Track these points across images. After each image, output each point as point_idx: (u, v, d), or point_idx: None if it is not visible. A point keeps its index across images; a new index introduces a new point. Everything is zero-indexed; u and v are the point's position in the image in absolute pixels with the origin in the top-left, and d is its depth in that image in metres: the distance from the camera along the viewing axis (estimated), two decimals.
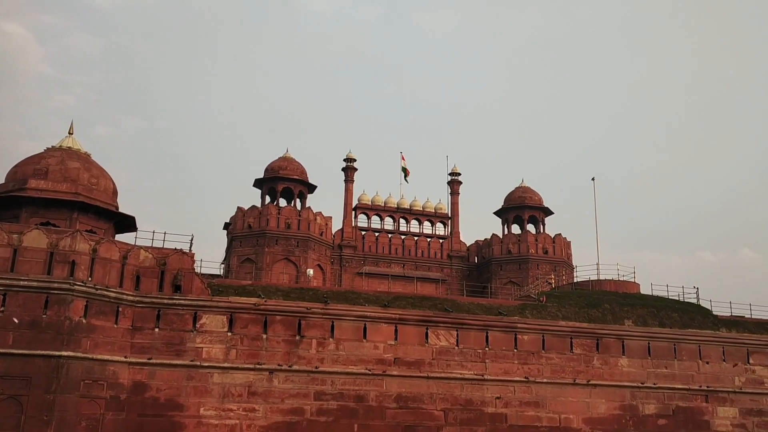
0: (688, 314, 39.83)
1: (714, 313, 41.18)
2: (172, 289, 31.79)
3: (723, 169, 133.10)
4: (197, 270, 33.96)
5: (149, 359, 30.32)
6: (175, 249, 32.87)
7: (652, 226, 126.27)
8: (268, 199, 59.30)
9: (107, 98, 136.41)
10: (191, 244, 34.42)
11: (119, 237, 35.58)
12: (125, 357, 29.92)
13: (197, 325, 31.54)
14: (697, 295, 42.58)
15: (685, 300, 42.27)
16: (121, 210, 35.87)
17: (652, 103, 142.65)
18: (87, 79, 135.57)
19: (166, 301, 31.38)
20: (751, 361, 38.66)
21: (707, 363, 37.87)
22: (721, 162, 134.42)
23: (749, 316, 42.32)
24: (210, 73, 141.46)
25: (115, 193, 36.29)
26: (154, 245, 33.14)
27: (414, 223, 66.19)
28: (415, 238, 64.40)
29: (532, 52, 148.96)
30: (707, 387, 37.34)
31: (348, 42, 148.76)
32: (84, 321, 28.78)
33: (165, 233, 34.01)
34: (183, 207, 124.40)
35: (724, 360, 38.28)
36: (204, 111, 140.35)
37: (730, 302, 42.35)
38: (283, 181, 58.82)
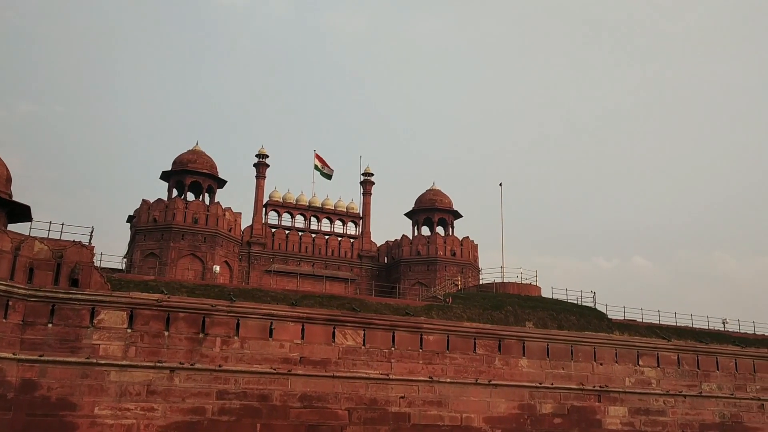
0: (585, 317, 41.55)
1: (609, 316, 43.13)
2: (68, 283, 30.36)
3: (617, 181, 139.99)
4: (97, 264, 32.61)
5: (41, 356, 28.81)
6: (74, 241, 31.43)
7: (554, 232, 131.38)
8: (175, 192, 57.63)
9: None
10: (91, 236, 33.06)
11: (12, 227, 33.57)
12: (14, 354, 28.30)
13: (95, 321, 30.24)
14: (594, 300, 44.51)
15: (583, 304, 44.08)
16: (14, 198, 33.88)
17: (558, 112, 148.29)
18: None
19: (61, 295, 29.90)
20: (640, 362, 40.72)
21: (601, 364, 39.62)
22: (615, 174, 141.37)
23: (640, 320, 44.59)
24: (114, 60, 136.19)
25: (8, 180, 34.25)
26: (50, 237, 31.55)
27: (325, 221, 66.02)
28: (326, 237, 64.23)
29: (443, 56, 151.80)
30: (600, 387, 39.06)
31: (259, 37, 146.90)
32: None
33: (63, 225, 32.56)
34: (83, 198, 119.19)
35: (616, 362, 40.15)
36: (106, 99, 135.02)
37: (624, 307, 44.54)
38: (192, 175, 57.33)
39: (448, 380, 35.69)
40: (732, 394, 42.34)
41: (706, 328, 46.40)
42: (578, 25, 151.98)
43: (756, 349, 44.39)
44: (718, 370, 42.59)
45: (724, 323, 48.32)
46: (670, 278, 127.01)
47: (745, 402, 42.59)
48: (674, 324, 45.35)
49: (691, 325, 45.96)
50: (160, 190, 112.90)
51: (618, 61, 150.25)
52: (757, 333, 47.98)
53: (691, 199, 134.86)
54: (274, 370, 32.52)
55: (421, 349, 35.78)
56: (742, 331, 47.63)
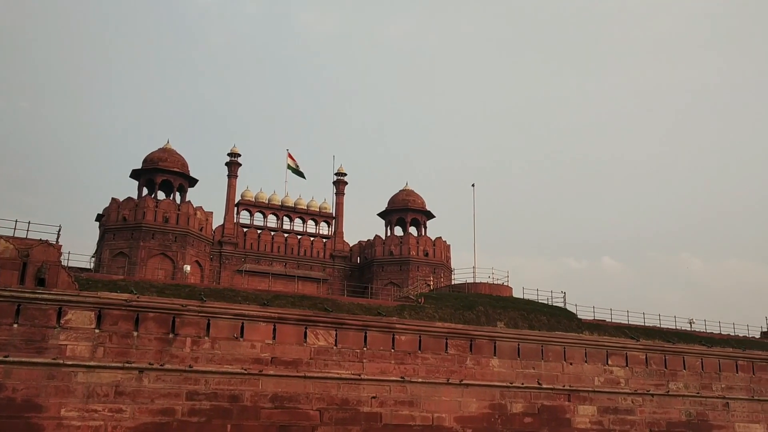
0: (556, 317, 41.97)
1: (579, 316, 43.63)
2: (35, 282, 29.78)
3: (588, 183, 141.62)
4: (64, 263, 32.08)
5: (6, 357, 28.18)
6: (40, 240, 30.87)
7: (525, 233, 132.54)
8: (145, 191, 56.99)
9: None
10: (58, 235, 32.54)
11: None
12: None
13: (62, 321, 29.70)
14: (564, 300, 45.03)
15: (554, 304, 44.56)
16: None
17: (531, 113, 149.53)
18: None
19: (27, 295, 29.30)
20: (609, 362, 41.20)
21: (571, 364, 40.00)
22: (586, 176, 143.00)
23: (610, 320, 45.21)
24: (83, 57, 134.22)
25: None
26: (16, 236, 30.95)
27: (298, 221, 65.80)
28: (299, 236, 64.01)
29: (416, 57, 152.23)
30: (570, 387, 39.43)
31: (231, 36, 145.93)
32: None
33: (29, 223, 32.00)
34: (50, 196, 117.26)
35: (586, 361, 40.56)
36: (74, 96, 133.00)
37: (593, 307, 45.15)
38: (163, 173, 56.73)
39: (420, 380, 35.75)
40: (698, 393, 43.06)
41: (674, 328, 47.21)
42: (551, 27, 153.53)
43: (721, 349, 45.22)
44: (684, 369, 43.28)
45: (690, 323, 49.23)
46: (639, 279, 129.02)
47: (710, 401, 43.34)
48: (643, 324, 46.07)
49: (659, 325, 46.72)
50: (130, 189, 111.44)
51: (592, 62, 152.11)
52: (722, 333, 48.96)
53: (659, 201, 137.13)
54: (245, 370, 32.27)
55: (393, 349, 35.79)
56: (708, 331, 48.56)
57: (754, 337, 50.64)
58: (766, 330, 52.59)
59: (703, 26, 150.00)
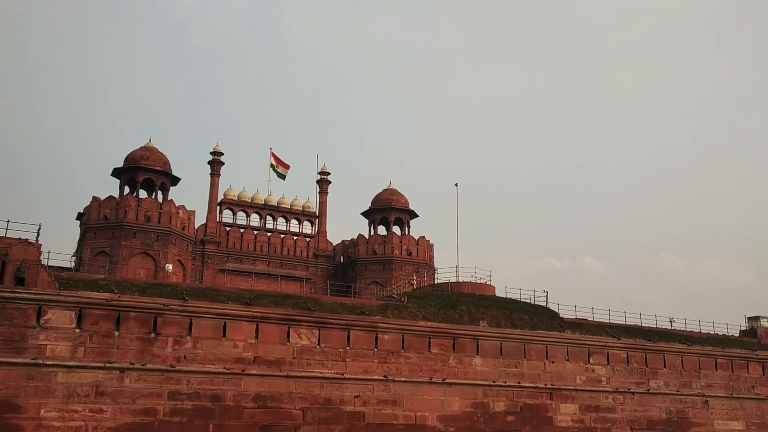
0: (538, 316, 42.18)
1: (561, 315, 43.88)
2: (14, 281, 29.46)
3: (569, 183, 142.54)
4: (44, 262, 31.75)
5: None
6: (20, 239, 30.54)
7: (507, 233, 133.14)
8: (127, 189, 56.53)
9: None
10: (38, 234, 32.19)
11: None
12: None
13: (41, 321, 29.42)
14: (546, 299, 45.25)
15: (536, 303, 44.76)
16: None
17: (513, 113, 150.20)
18: None
19: (6, 294, 28.98)
20: (591, 360, 41.51)
21: (553, 362, 40.24)
22: (567, 176, 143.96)
23: (591, 319, 45.49)
24: (64, 55, 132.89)
25: None
26: None
27: (281, 220, 65.57)
28: (282, 235, 63.80)
29: (399, 57, 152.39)
30: (552, 385, 39.67)
31: (213, 34, 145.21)
32: None
33: (8, 221, 31.58)
34: (29, 195, 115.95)
35: (568, 360, 40.82)
36: (55, 94, 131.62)
37: (575, 306, 45.41)
38: (145, 172, 56.30)
39: (403, 379, 35.79)
40: (678, 391, 43.50)
41: (654, 326, 47.62)
42: (534, 27, 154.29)
43: (701, 347, 45.72)
44: (665, 367, 43.71)
45: (671, 322, 49.69)
46: (620, 278, 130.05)
47: (690, 398, 43.81)
48: (624, 323, 46.42)
49: (639, 324, 47.10)
50: (111, 188, 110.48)
51: (573, 62, 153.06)
52: (702, 331, 49.48)
53: (639, 201, 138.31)
54: (228, 370, 32.14)
55: (376, 348, 35.81)
56: (688, 330, 49.05)
57: (733, 336, 51.24)
58: (744, 329, 53.23)
59: (673, 30, 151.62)
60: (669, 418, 42.68)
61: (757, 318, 53.66)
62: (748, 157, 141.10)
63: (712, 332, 49.94)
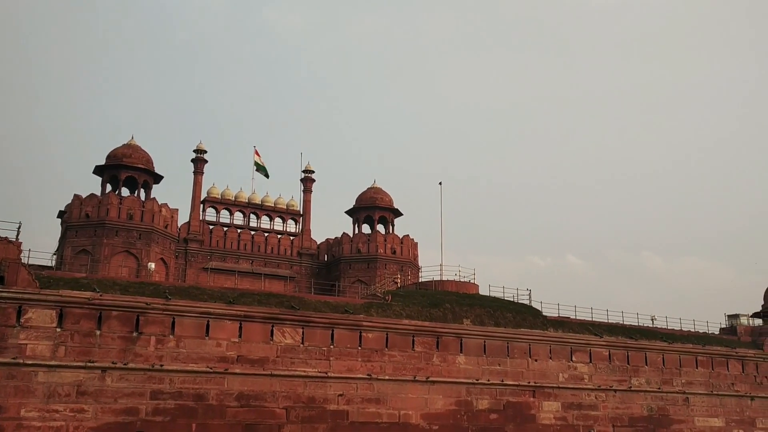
0: (521, 315, 42.38)
1: (544, 314, 44.10)
2: None
3: (552, 182, 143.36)
4: (24, 261, 31.43)
5: None
6: None
7: (491, 231, 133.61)
8: (109, 187, 56.05)
9: None
10: (18, 232, 31.89)
11: None
12: None
13: (22, 320, 29.13)
14: (530, 297, 45.42)
15: (519, 301, 44.94)
16: None
17: (497, 112, 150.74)
18: None
19: None
20: (573, 358, 41.79)
21: (536, 360, 40.47)
22: (550, 175, 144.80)
23: (574, 317, 45.77)
24: (44, 51, 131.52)
25: None
26: None
27: (265, 219, 65.33)
28: (266, 234, 63.58)
29: (384, 55, 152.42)
30: (535, 383, 39.90)
31: (195, 31, 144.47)
32: None
33: None
34: (9, 192, 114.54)
35: (550, 358, 41.07)
36: (36, 90, 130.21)
37: (558, 304, 45.60)
38: (127, 170, 55.87)
39: (387, 377, 35.84)
40: (659, 388, 43.92)
41: (636, 324, 48.00)
42: (517, 25, 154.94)
43: (682, 345, 46.17)
44: (646, 365, 44.10)
45: (652, 320, 50.12)
46: (602, 277, 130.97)
47: (671, 396, 44.25)
48: (606, 321, 46.74)
49: (621, 322, 47.46)
50: (93, 185, 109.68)
51: (561, 61, 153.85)
52: (683, 329, 49.95)
53: (621, 200, 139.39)
54: (211, 369, 32.01)
55: (360, 347, 35.82)
56: (669, 328, 49.50)
57: (713, 334, 51.78)
58: (725, 326, 53.83)
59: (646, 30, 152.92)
60: (650, 415, 43.09)
61: (737, 316, 54.29)
62: (728, 158, 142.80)
63: (692, 330, 50.45)
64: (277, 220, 65.71)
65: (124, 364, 30.36)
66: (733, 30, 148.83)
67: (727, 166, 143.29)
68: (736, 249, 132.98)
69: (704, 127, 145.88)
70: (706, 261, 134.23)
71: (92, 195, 53.68)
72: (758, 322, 54.57)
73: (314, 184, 67.14)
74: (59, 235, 56.57)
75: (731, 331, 52.40)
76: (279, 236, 64.11)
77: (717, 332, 52.69)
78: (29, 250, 35.44)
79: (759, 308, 56.19)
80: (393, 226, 65.72)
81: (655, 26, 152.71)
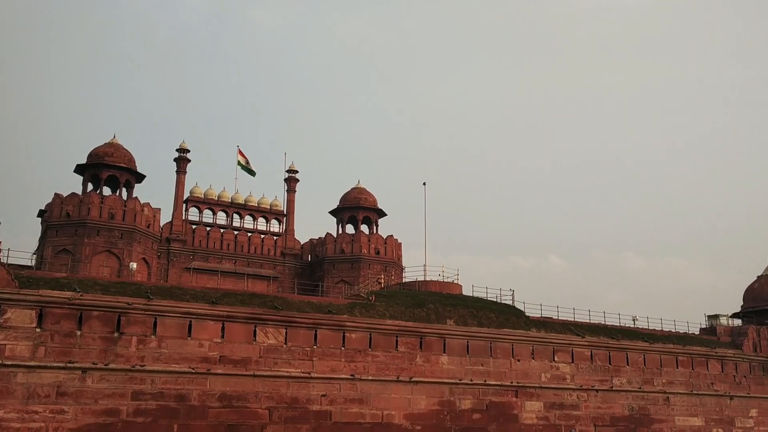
0: (504, 315, 42.52)
1: (526, 314, 44.26)
2: None
3: (535, 182, 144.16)
4: (3, 260, 31.09)
5: None
6: None
7: (474, 232, 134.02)
8: (90, 186, 55.57)
9: None
10: None
11: None
12: None
13: (0, 320, 28.80)
14: (513, 298, 45.53)
15: (502, 302, 45.05)
16: None
17: (480, 113, 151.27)
18: None
19: None
20: (556, 358, 42.03)
21: (518, 361, 40.65)
22: (533, 176, 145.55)
23: (556, 318, 45.98)
24: (26, 51, 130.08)
25: None
26: None
27: (248, 218, 65.09)
28: (249, 234, 63.34)
29: (367, 55, 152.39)
30: (517, 383, 40.06)
31: (177, 31, 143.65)
32: None
33: None
34: None
35: (533, 358, 41.27)
36: (17, 87, 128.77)
37: (541, 304, 45.74)
38: (109, 169, 55.41)
39: (370, 378, 35.82)
40: (640, 388, 44.28)
41: (618, 325, 48.30)
42: (499, 25, 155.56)
43: (663, 345, 46.58)
44: (628, 365, 44.44)
45: (634, 320, 50.46)
46: (584, 277, 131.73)
47: (652, 395, 44.63)
48: (588, 321, 47.00)
49: (603, 323, 47.73)
50: (74, 184, 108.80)
51: (538, 61, 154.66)
52: (664, 330, 50.35)
53: (603, 201, 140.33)
54: (193, 369, 31.82)
55: (343, 347, 35.77)
56: (650, 328, 49.87)
57: (693, 334, 52.25)
58: (705, 327, 54.35)
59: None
60: (631, 414, 43.42)
61: (716, 316, 54.81)
62: (708, 159, 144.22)
63: (673, 330, 50.87)
64: (261, 220, 65.48)
65: (105, 365, 30.10)
66: (719, 33, 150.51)
67: (707, 168, 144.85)
68: (717, 250, 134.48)
69: (685, 129, 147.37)
70: (686, 262, 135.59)
71: (73, 194, 53.17)
72: (738, 322, 55.18)
73: (298, 184, 67.00)
74: (39, 235, 55.99)
75: (711, 331, 52.91)
76: (262, 236, 63.90)
77: (697, 332, 53.16)
78: (8, 250, 35.02)
79: (738, 308, 56.83)
80: (377, 226, 65.72)
81: (633, 29, 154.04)
